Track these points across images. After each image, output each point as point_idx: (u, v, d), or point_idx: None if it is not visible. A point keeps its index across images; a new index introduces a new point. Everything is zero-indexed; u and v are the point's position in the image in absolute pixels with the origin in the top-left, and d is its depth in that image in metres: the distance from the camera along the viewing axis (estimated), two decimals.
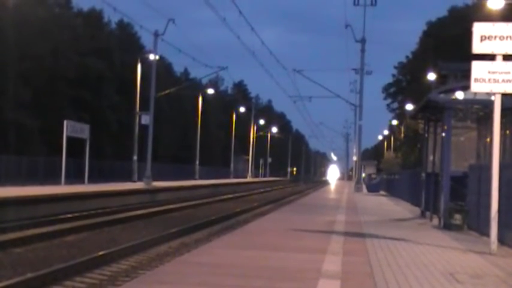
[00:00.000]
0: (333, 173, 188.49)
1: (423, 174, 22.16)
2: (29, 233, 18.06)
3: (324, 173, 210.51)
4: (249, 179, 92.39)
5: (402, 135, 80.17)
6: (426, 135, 22.09)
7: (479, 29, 11.84)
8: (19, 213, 22.87)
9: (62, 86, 58.23)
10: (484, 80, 11.78)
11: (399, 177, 40.63)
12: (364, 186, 52.25)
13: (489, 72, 11.76)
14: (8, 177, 41.47)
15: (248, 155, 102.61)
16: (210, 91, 78.97)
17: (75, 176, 44.00)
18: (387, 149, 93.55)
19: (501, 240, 12.33)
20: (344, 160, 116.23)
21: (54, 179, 40.72)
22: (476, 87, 11.96)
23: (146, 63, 53.34)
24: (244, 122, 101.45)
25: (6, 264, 13.54)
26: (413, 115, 25.99)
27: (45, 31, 55.16)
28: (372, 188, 48.66)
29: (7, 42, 47.96)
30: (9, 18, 47.52)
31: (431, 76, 48.24)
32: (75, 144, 41.39)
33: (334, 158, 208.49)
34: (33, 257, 14.62)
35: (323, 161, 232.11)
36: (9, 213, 22.40)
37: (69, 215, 24.19)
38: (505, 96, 12.23)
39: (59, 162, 39.56)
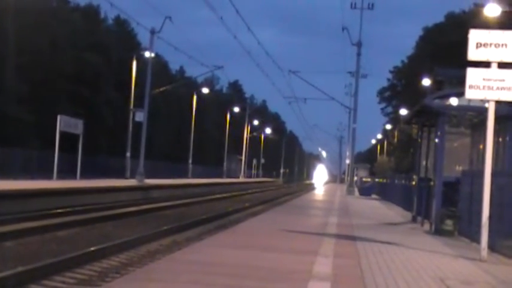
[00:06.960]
0: (320, 175, 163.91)
1: (415, 178, 22.20)
2: (20, 227, 18.00)
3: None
4: (241, 179, 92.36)
5: (396, 139, 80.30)
6: (420, 140, 22.13)
7: (475, 36, 11.86)
8: (10, 207, 22.82)
9: (59, 80, 58.17)
10: (478, 87, 11.80)
11: (391, 181, 40.67)
12: (356, 190, 52.31)
13: (484, 79, 11.78)
14: (2, 170, 41.39)
15: (241, 155, 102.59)
16: (205, 90, 78.84)
17: (68, 171, 43.93)
18: (380, 153, 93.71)
19: (491, 247, 12.36)
20: (337, 161, 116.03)
21: (48, 174, 40.67)
22: (470, 94, 11.99)
23: (142, 60, 53.28)
24: (238, 122, 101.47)
25: None
26: (408, 120, 26.07)
27: (43, 25, 55.09)
28: (364, 192, 48.71)
29: (5, 35, 47.84)
30: (7, 11, 47.41)
31: (427, 81, 48.37)
32: (70, 139, 41.32)
33: (324, 155, 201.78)
34: (24, 251, 14.59)
35: (316, 163, 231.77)
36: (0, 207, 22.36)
37: (60, 210, 24.15)
38: (499, 103, 12.27)
39: (52, 156, 39.62)
